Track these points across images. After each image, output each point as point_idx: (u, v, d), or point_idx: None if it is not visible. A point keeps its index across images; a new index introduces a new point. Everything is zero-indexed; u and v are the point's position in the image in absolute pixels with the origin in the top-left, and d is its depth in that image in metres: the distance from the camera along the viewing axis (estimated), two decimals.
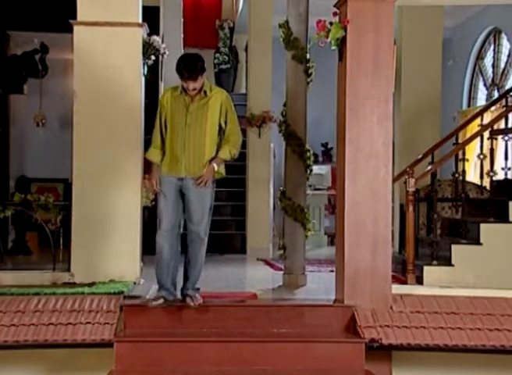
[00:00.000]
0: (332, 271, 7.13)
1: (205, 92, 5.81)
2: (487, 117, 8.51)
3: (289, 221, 7.60)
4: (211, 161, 5.85)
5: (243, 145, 11.62)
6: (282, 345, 5.81)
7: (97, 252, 6.87)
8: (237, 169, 11.94)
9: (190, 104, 5.81)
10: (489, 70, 12.14)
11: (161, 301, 5.87)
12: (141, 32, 7.08)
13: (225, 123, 5.86)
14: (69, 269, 6.88)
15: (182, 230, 5.97)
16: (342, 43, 6.26)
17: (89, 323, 5.89)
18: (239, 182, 11.85)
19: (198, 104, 5.81)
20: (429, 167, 7.36)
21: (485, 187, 7.81)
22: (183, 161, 5.81)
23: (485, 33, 12.15)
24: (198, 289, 6.04)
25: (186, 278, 6.04)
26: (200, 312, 5.96)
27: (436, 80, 9.61)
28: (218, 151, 5.88)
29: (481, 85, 12.45)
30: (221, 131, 5.90)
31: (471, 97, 12.71)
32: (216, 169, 5.84)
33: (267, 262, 9.68)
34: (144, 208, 7.50)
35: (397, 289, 6.39)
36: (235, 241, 11.57)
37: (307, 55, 7.57)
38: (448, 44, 11.84)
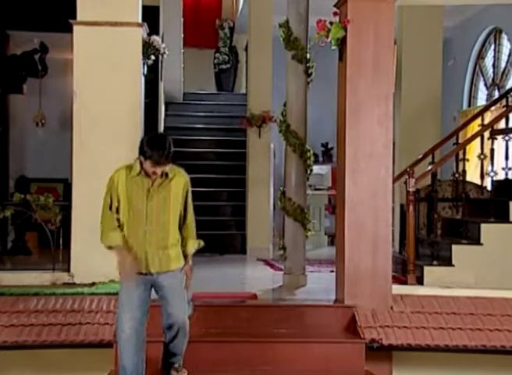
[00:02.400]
0: (332, 271, 7.12)
1: (166, 174, 4.93)
2: (487, 117, 8.50)
3: (289, 221, 7.60)
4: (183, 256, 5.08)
5: (243, 145, 11.80)
6: (282, 345, 5.81)
7: (97, 252, 6.84)
8: (237, 169, 11.95)
9: (151, 188, 4.91)
10: (490, 70, 12.13)
11: None
12: (141, 32, 7.07)
13: (185, 209, 5.05)
14: (68, 270, 6.87)
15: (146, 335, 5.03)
16: (342, 43, 6.26)
17: (89, 323, 5.89)
18: (239, 182, 11.84)
19: (159, 187, 4.92)
20: (430, 167, 7.36)
21: (485, 187, 7.80)
22: (147, 254, 4.93)
23: (485, 32, 12.13)
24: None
25: (168, 359, 5.18)
26: (201, 312, 5.94)
27: (436, 80, 9.61)
28: (182, 244, 5.06)
29: (481, 85, 12.43)
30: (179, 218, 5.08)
31: (472, 97, 12.70)
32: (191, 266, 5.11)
33: (267, 263, 9.67)
34: None
35: (397, 289, 6.38)
36: (235, 241, 11.56)
37: (308, 55, 7.57)
38: (448, 43, 11.83)
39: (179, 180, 5.00)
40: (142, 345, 4.96)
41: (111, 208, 4.98)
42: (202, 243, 5.14)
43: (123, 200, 4.95)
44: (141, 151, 4.85)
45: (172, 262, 4.98)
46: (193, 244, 5.10)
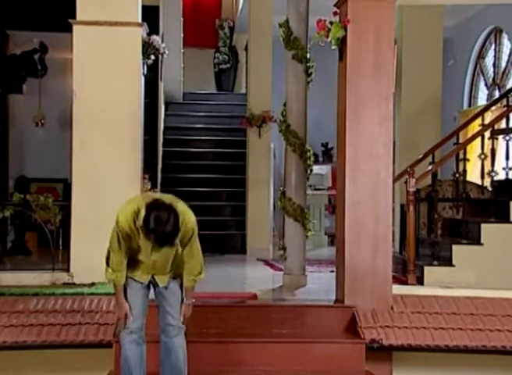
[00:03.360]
0: (332, 271, 7.12)
1: None
2: (488, 117, 8.49)
3: (289, 221, 7.59)
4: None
5: (243, 145, 11.79)
6: (282, 345, 5.80)
7: (97, 253, 6.82)
8: (237, 169, 11.95)
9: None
10: (490, 70, 12.12)
11: None
12: (141, 31, 7.06)
13: (183, 248, 4.87)
14: (68, 270, 6.86)
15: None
16: (342, 43, 6.25)
17: (88, 323, 5.87)
18: (239, 182, 11.84)
19: None
20: (430, 167, 7.34)
21: (485, 187, 7.79)
22: (154, 276, 4.96)
23: (485, 32, 12.13)
24: None
25: None
26: (201, 312, 5.93)
27: (437, 80, 9.60)
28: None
29: (482, 85, 12.42)
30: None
31: (472, 96, 12.69)
32: (192, 303, 5.03)
33: (267, 263, 9.67)
34: None
35: (398, 289, 6.37)
36: (235, 241, 11.57)
37: (308, 55, 7.56)
38: (449, 43, 11.82)
39: (186, 230, 4.74)
40: (143, 341, 5.01)
41: (120, 249, 4.85)
42: (199, 278, 4.97)
43: (130, 243, 4.82)
44: (146, 228, 4.57)
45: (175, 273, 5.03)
46: (191, 281, 4.97)
